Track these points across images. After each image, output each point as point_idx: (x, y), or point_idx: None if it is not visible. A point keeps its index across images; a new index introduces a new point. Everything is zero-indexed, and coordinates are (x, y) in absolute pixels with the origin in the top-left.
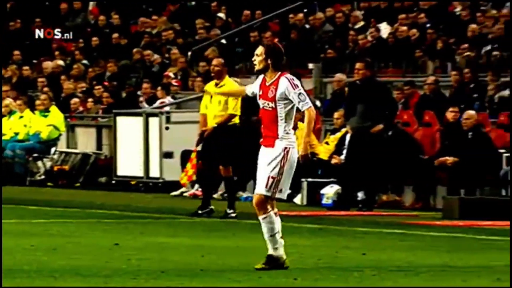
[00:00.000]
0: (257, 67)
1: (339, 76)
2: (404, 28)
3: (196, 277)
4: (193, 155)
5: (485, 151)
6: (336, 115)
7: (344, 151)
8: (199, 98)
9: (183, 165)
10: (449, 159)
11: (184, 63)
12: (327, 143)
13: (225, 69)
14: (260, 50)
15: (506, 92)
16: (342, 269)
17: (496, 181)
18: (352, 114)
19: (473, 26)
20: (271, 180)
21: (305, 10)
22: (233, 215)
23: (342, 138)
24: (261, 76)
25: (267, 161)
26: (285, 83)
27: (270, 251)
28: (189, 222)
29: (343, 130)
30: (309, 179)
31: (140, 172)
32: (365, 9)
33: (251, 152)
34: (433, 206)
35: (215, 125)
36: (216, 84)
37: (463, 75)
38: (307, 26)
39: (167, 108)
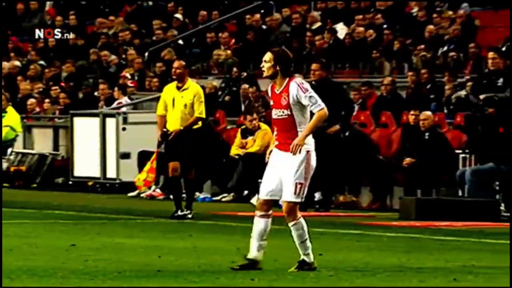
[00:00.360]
0: (265, 74)
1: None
2: (361, 29)
3: (153, 277)
4: (153, 156)
5: (441, 151)
6: None
7: None
8: (156, 99)
9: (140, 166)
10: (406, 160)
11: (141, 64)
12: None
13: (186, 71)
14: (268, 56)
15: (462, 93)
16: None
17: (452, 182)
18: None
19: (430, 27)
20: (299, 186)
21: (262, 11)
22: (190, 216)
23: None
24: (269, 87)
25: (290, 167)
26: (295, 88)
27: (302, 257)
28: (146, 222)
29: None
30: None
31: (97, 173)
32: (322, 10)
33: (207, 153)
34: (390, 207)
35: (181, 128)
36: (179, 88)
37: (420, 75)
38: (264, 27)
39: (124, 109)
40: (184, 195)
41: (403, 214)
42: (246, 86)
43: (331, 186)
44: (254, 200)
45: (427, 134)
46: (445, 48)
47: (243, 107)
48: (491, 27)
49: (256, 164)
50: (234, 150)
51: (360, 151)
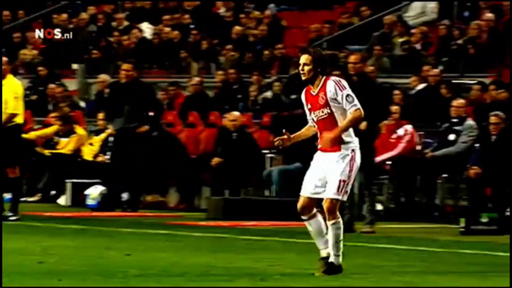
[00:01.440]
0: (305, 77)
1: (103, 77)
2: (168, 29)
3: None
4: None
5: (249, 151)
6: (100, 116)
7: (109, 152)
8: None
9: None
10: (214, 160)
11: None
12: (91, 144)
13: (8, 68)
14: (307, 58)
15: (269, 93)
16: (106, 270)
17: (259, 182)
18: (115, 115)
19: (237, 27)
20: (342, 183)
21: (70, 11)
22: (13, 218)
23: (106, 139)
24: (303, 94)
25: (335, 165)
26: (332, 85)
27: (334, 259)
28: None
29: (107, 131)
30: (74, 180)
31: None
32: (129, 10)
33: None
34: (198, 207)
35: None
36: None
37: (227, 75)
38: (71, 26)
39: None
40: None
41: (210, 214)
42: (53, 86)
43: (139, 186)
44: (61, 200)
45: (235, 134)
46: (253, 48)
47: (50, 107)
48: (298, 28)
49: (65, 165)
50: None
51: (168, 151)
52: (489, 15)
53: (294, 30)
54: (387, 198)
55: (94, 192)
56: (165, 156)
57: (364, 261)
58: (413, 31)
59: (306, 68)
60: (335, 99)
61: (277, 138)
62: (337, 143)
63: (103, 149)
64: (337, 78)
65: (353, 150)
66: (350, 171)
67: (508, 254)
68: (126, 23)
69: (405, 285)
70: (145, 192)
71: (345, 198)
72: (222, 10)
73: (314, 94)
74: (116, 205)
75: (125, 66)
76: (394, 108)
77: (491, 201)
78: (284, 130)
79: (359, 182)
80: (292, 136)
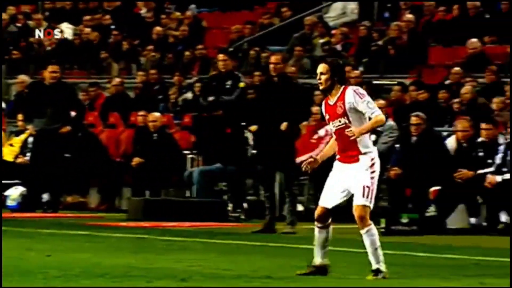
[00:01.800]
0: (323, 86)
1: (22, 77)
2: (89, 29)
3: None
4: None
5: (170, 152)
6: (19, 117)
7: (29, 153)
8: None
9: None
10: (135, 160)
11: None
12: (11, 145)
13: None
14: (325, 68)
15: (189, 94)
16: (27, 271)
17: (180, 182)
18: (35, 115)
19: (158, 28)
20: (367, 189)
21: None
22: None
23: (26, 140)
24: (322, 104)
25: (356, 173)
26: (351, 94)
27: (378, 266)
28: None
29: (27, 132)
30: None
31: None
32: (50, 10)
33: None
34: (118, 207)
35: None
36: None
37: (148, 76)
38: None
39: None
40: None
41: (131, 215)
42: None
43: (59, 187)
44: None
45: (155, 135)
46: (174, 49)
47: None
48: (219, 28)
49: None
50: None
51: (90, 152)
52: (409, 16)
53: (215, 31)
54: (308, 199)
55: (14, 193)
56: (86, 157)
57: (285, 262)
58: (333, 32)
59: (323, 77)
60: (355, 108)
61: (305, 162)
62: (353, 151)
63: (23, 150)
64: (356, 87)
65: (372, 159)
66: (372, 178)
67: (423, 254)
68: (46, 23)
69: (325, 285)
70: (66, 192)
71: (372, 205)
72: (143, 11)
73: (332, 103)
74: (36, 206)
75: (53, 67)
76: (316, 109)
77: (411, 201)
78: (312, 155)
79: (280, 182)
80: (318, 157)
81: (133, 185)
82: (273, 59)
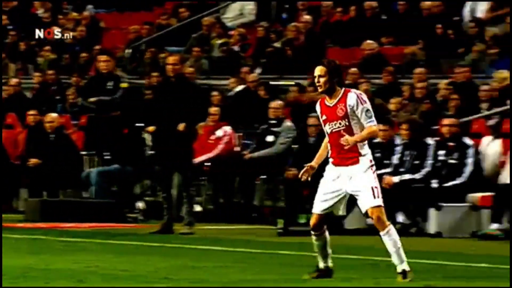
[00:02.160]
0: (322, 89)
1: None
2: None
3: None
4: None
5: (67, 152)
6: None
7: None
8: None
9: None
10: (31, 161)
11: None
12: None
13: None
14: (322, 70)
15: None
16: None
17: (78, 183)
18: None
19: (56, 28)
20: (375, 189)
21: None
22: None
23: None
24: (317, 105)
25: (358, 176)
26: (353, 98)
27: (403, 266)
28: None
29: None
30: None
31: None
32: None
33: None
34: (16, 209)
35: None
36: None
37: (45, 76)
38: None
39: None
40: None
41: (28, 216)
42: None
43: None
44: None
45: (52, 135)
46: (71, 49)
47: None
48: (117, 29)
49: None
50: None
51: None
52: (306, 17)
53: (113, 31)
54: (206, 199)
55: None
56: None
57: (183, 262)
58: (231, 32)
59: (322, 80)
60: (354, 112)
61: (301, 172)
62: (351, 153)
63: None
64: (359, 91)
65: (371, 161)
66: (375, 178)
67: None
68: None
69: (223, 285)
70: None
71: (382, 203)
72: (40, 11)
73: (331, 105)
74: None
75: None
76: (214, 109)
77: (309, 202)
78: (308, 166)
79: (177, 183)
80: (314, 163)
81: (30, 186)
82: (170, 59)
